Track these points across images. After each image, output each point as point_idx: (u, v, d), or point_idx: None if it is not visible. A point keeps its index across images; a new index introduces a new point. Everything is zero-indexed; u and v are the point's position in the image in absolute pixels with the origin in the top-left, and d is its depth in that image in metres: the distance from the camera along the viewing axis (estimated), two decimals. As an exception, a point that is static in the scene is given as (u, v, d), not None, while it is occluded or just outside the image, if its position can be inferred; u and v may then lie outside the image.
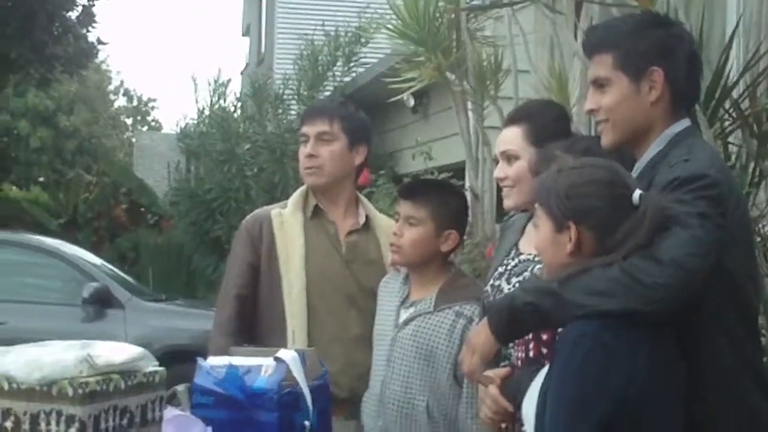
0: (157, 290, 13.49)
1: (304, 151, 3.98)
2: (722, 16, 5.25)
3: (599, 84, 2.86)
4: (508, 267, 3.31)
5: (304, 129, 4.00)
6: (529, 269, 3.19)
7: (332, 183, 3.98)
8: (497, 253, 3.49)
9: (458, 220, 3.72)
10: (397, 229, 3.67)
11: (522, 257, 3.29)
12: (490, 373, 2.83)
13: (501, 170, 3.37)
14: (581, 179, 2.63)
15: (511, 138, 3.34)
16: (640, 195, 2.59)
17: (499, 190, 3.49)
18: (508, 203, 3.39)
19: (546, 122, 3.33)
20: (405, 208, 3.68)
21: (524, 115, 3.40)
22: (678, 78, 2.81)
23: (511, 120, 3.40)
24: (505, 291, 3.23)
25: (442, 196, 3.71)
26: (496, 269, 3.36)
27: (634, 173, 2.82)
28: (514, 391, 2.78)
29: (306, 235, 3.90)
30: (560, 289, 2.56)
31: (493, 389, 2.82)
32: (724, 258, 2.61)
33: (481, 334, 2.74)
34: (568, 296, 2.53)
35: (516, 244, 3.35)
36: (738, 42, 4.67)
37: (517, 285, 3.20)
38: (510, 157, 3.33)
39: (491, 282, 3.34)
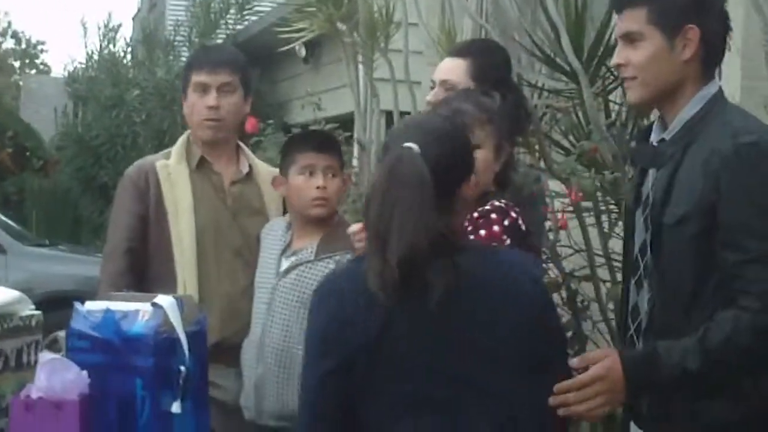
0: (40, 235, 13.30)
1: (203, 101, 3.85)
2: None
3: (630, 39, 2.74)
4: None
5: (205, 78, 3.86)
6: None
7: (228, 135, 3.95)
8: None
9: None
10: (322, 182, 3.62)
11: None
12: None
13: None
14: None
15: None
16: None
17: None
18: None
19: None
20: (325, 159, 3.66)
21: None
22: (712, 37, 2.72)
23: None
24: None
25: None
26: None
27: (669, 134, 2.75)
28: None
29: (193, 186, 3.86)
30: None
31: None
32: None
33: (618, 386, 2.56)
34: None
35: None
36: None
37: None
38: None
39: None
